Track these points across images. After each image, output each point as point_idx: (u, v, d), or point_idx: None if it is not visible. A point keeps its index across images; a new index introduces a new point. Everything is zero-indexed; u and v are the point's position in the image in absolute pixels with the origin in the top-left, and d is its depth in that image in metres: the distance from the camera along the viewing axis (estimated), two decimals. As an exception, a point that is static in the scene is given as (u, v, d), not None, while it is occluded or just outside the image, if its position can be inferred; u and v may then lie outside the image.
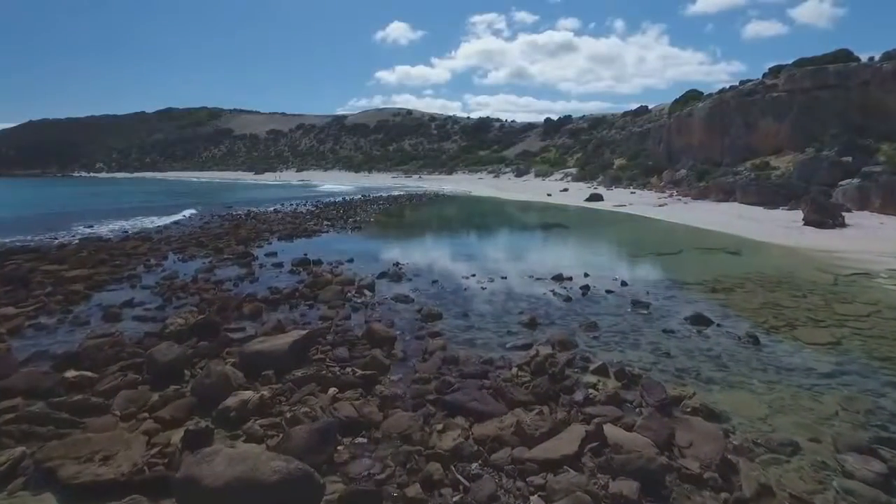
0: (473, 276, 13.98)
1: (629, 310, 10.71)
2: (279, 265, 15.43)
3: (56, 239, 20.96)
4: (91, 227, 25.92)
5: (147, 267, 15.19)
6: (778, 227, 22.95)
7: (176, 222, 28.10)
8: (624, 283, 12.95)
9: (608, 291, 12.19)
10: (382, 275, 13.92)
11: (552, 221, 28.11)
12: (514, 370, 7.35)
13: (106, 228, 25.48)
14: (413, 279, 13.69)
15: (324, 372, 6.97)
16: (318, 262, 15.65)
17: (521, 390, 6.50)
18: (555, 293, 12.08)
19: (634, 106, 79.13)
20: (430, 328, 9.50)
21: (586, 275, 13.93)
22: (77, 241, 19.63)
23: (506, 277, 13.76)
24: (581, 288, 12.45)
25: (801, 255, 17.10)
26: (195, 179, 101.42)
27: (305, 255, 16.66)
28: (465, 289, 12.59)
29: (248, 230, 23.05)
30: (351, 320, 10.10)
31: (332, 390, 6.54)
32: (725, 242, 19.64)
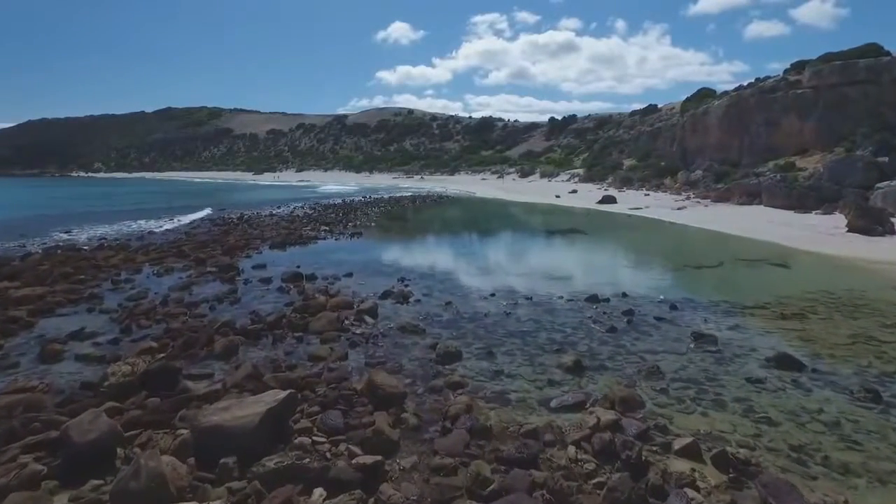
0: (493, 295, 11.96)
1: (692, 346, 8.67)
2: (267, 281, 13.41)
3: (25, 247, 18.97)
4: (69, 232, 23.94)
5: (115, 283, 13.18)
6: (818, 234, 20.91)
7: (168, 228, 26.11)
8: (674, 307, 10.92)
9: (658, 319, 10.15)
10: (386, 294, 11.90)
11: (566, 227, 26.08)
12: (572, 450, 5.32)
13: (86, 234, 23.50)
14: (422, 300, 11.66)
15: (307, 460, 4.94)
16: (312, 278, 13.64)
17: (594, 497, 4.46)
18: (594, 321, 10.04)
19: (636, 106, 77.21)
20: (448, 374, 7.47)
21: (624, 294, 11.92)
22: (43, 251, 17.59)
23: (531, 298, 11.73)
24: (624, 314, 10.42)
25: (861, 268, 15.07)
26: (195, 180, 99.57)
27: (298, 267, 14.67)
28: (486, 314, 10.56)
29: (238, 237, 21.05)
30: (348, 361, 8.08)
31: (317, 493, 4.52)
32: (766, 252, 17.61)
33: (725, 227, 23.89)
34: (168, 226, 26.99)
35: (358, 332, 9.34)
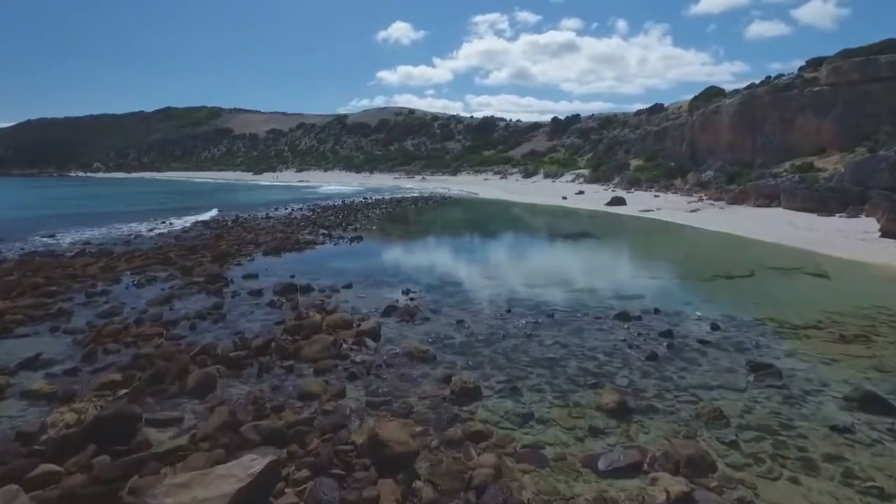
0: (509, 311, 10.67)
1: (751, 378, 7.37)
2: (257, 293, 12.13)
3: (0, 252, 17.69)
4: (52, 236, 22.63)
5: (88, 296, 11.89)
6: (849, 240, 19.60)
7: (160, 232, 24.81)
8: (715, 327, 9.62)
9: (702, 342, 8.85)
10: (390, 310, 10.61)
11: (577, 230, 24.81)
12: (640, 544, 4.02)
13: (70, 238, 22.22)
14: (431, 317, 10.36)
15: (288, 567, 3.64)
16: (308, 289, 12.36)
17: None
18: (630, 345, 8.74)
19: (637, 106, 75.94)
20: (467, 419, 6.18)
21: (656, 311, 10.63)
22: (18, 258, 16.30)
23: (552, 315, 10.44)
24: (661, 335, 9.13)
25: (909, 278, 13.75)
26: (194, 180, 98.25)
27: (292, 277, 13.42)
28: (503, 335, 9.26)
29: (231, 242, 19.74)
30: (346, 399, 6.78)
31: None
32: (798, 260, 16.32)
33: (745, 231, 22.59)
34: (161, 229, 25.70)
35: (358, 359, 8.04)
